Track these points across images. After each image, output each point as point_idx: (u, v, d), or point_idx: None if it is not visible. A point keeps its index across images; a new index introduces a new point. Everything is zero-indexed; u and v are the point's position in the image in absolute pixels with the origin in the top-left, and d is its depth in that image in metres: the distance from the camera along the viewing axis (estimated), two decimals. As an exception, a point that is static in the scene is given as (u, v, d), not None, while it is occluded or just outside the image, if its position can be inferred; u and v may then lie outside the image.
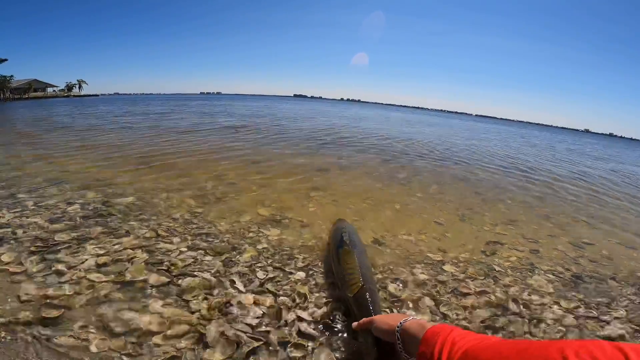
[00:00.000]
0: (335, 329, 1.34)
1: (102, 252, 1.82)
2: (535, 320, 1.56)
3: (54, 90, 48.64)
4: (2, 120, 11.54)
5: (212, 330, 1.28)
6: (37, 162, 4.16)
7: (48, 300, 1.40)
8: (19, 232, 2.01)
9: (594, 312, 1.70)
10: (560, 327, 1.54)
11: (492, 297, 1.72)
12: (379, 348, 1.06)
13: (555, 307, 1.71)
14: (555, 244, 2.63)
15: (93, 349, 1.18)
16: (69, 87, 50.94)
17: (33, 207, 2.45)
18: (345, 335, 1.31)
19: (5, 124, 9.86)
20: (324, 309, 1.46)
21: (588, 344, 0.55)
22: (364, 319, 1.16)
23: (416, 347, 0.82)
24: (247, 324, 1.33)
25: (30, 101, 31.84)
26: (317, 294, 1.58)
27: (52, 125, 9.15)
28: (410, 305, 1.58)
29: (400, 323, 0.95)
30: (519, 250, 2.40)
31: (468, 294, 1.72)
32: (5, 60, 38.04)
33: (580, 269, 2.21)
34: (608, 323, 1.63)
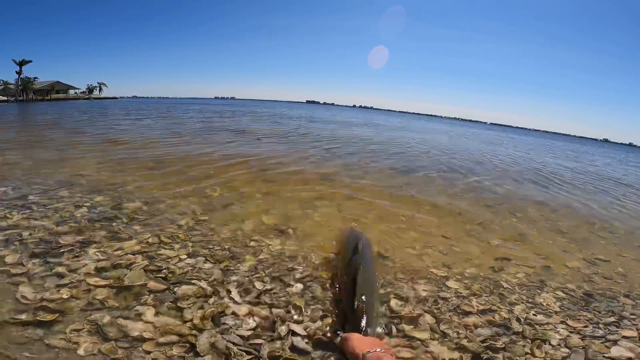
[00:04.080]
0: (329, 345, 1.31)
1: (103, 257, 1.83)
2: (538, 341, 1.50)
3: (76, 92, 49.61)
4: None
5: (203, 341, 1.26)
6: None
7: (45, 304, 1.41)
8: (25, 234, 2.04)
9: (601, 332, 1.64)
10: (564, 349, 1.48)
11: (496, 316, 1.66)
12: None
13: (561, 326, 1.64)
14: None
15: (81, 352, 1.19)
16: (90, 90, 51.90)
17: (42, 209, 2.48)
18: (337, 352, 1.28)
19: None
20: (319, 323, 1.43)
21: None
22: (347, 334, 1.24)
23: None
24: (239, 336, 1.32)
25: (54, 103, 32.24)
26: (312, 307, 1.55)
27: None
28: (409, 322, 1.54)
29: (363, 354, 1.03)
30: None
31: (470, 312, 1.67)
32: (30, 61, 38.91)
33: (592, 286, 2.13)
34: (615, 343, 1.56)
